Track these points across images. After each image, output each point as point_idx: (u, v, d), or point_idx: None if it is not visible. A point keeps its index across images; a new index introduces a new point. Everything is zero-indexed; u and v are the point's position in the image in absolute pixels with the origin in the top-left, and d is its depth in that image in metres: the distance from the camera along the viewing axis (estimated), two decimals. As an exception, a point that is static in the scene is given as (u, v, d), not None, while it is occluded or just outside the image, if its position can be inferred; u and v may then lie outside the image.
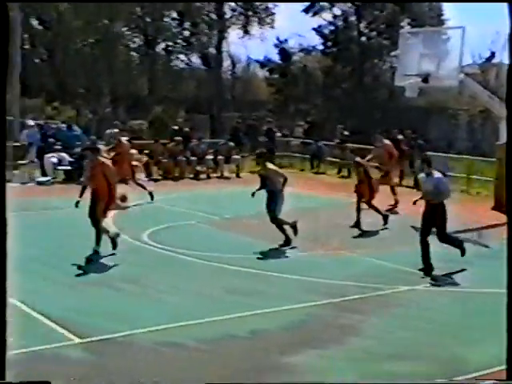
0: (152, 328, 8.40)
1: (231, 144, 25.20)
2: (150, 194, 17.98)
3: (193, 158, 23.94)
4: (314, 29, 39.65)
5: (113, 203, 11.92)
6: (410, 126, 25.32)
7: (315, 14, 39.49)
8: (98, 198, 11.71)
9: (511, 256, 6.04)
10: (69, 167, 21.90)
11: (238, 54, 43.47)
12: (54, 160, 21.81)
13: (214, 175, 24.04)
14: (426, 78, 16.67)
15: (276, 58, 40.58)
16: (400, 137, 23.43)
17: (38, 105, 33.05)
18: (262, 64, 41.65)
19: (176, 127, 26.35)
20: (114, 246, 11.92)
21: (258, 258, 12.17)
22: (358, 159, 15.65)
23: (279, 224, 13.02)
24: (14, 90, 24.74)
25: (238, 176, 24.13)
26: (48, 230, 14.25)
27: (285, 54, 40.22)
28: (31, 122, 23.56)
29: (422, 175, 11.59)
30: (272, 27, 41.28)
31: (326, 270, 11.49)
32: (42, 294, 9.71)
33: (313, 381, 7.08)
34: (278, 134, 28.89)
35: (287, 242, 12.98)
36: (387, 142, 18.59)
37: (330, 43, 40.08)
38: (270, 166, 13.37)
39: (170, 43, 41.88)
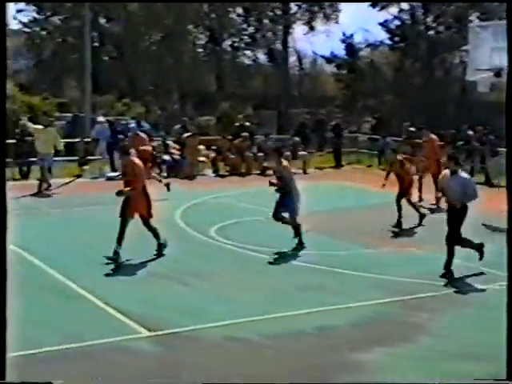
0: (219, 323, 8.45)
1: (297, 140, 25.14)
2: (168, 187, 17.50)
3: (260, 154, 23.97)
4: (380, 23, 39.23)
5: (144, 204, 11.52)
6: (481, 121, 24.82)
7: (382, 8, 39.04)
8: (130, 197, 11.39)
9: (511, 254, 5.96)
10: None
11: (303, 50, 43.36)
12: (124, 155, 22.11)
13: (281, 171, 23.97)
14: (498, 73, 16.28)
15: (342, 53, 40.31)
16: (470, 133, 23.02)
17: (109, 101, 33.57)
18: (328, 59, 41.41)
19: (237, 124, 26.44)
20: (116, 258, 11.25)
21: (327, 255, 12.10)
22: (400, 157, 15.19)
23: (295, 226, 12.51)
24: (85, 86, 25.22)
25: (304, 172, 24.04)
26: (117, 224, 14.44)
27: (351, 49, 39.88)
28: (101, 118, 23.98)
29: (445, 171, 11.07)
30: (337, 22, 41.04)
31: (395, 267, 11.35)
32: (113, 287, 9.86)
33: (382, 380, 6.99)
34: (345, 130, 28.71)
35: (300, 243, 12.47)
36: (433, 136, 18.56)
37: (397, 38, 39.55)
38: (285, 163, 12.70)
39: (236, 39, 42.03)
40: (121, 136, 23.02)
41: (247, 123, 26.05)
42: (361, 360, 7.43)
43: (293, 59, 42.85)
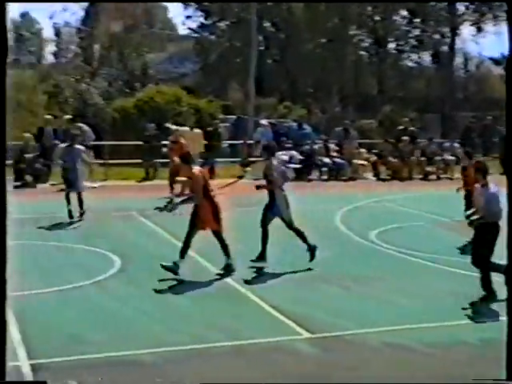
0: (380, 328, 8.35)
1: (457, 145, 24.46)
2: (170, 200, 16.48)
3: (422, 158, 23.50)
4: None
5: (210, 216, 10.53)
6: None
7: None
8: (195, 209, 10.57)
9: (511, 255, 5.88)
10: (298, 165, 22.41)
11: (469, 51, 42.08)
12: (285, 158, 22.36)
13: (444, 176, 23.43)
14: None
15: (513, 54, 38.66)
16: None
17: (271, 104, 34.14)
18: (497, 61, 39.93)
19: (401, 127, 26.05)
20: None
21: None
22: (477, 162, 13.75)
23: (297, 231, 11.27)
24: (249, 90, 25.78)
25: (469, 177, 23.32)
26: (273, 225, 14.65)
27: (524, 49, 38.19)
28: (264, 121, 24.41)
29: (477, 186, 9.88)
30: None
31: None
32: (274, 288, 9.99)
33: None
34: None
35: (261, 256, 11.15)
36: None
37: None
38: (275, 162, 11.42)
39: (401, 42, 41.44)
40: (283, 138, 23.35)
41: (412, 128, 25.61)
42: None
43: (458, 61, 41.69)
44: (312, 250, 11.23)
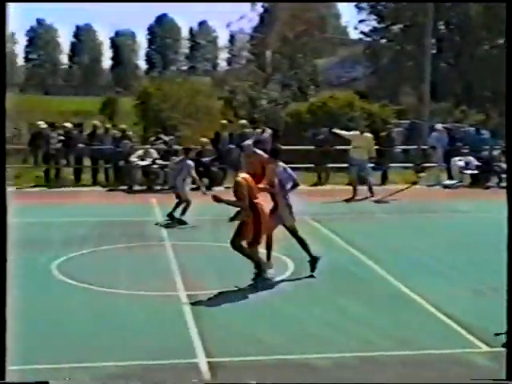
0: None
1: None
2: None
3: None
4: None
5: (264, 228, 10.14)
6: None
7: None
8: (244, 220, 10.09)
9: (511, 254, 4.87)
10: (475, 171, 21.72)
11: None
12: (461, 163, 21.80)
13: None
14: None
15: None
16: None
17: (445, 108, 33.28)
18: None
19: None
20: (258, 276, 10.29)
21: None
22: None
23: (300, 239, 10.81)
24: (424, 94, 25.27)
25: None
26: (452, 233, 14.24)
27: None
28: (439, 126, 23.83)
29: None
30: None
31: None
32: (448, 296, 9.68)
33: None
34: None
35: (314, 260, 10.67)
36: None
37: None
38: (280, 168, 10.78)
39: None
40: (459, 143, 22.69)
41: None
42: None
43: None
44: (313, 261, 10.66)
